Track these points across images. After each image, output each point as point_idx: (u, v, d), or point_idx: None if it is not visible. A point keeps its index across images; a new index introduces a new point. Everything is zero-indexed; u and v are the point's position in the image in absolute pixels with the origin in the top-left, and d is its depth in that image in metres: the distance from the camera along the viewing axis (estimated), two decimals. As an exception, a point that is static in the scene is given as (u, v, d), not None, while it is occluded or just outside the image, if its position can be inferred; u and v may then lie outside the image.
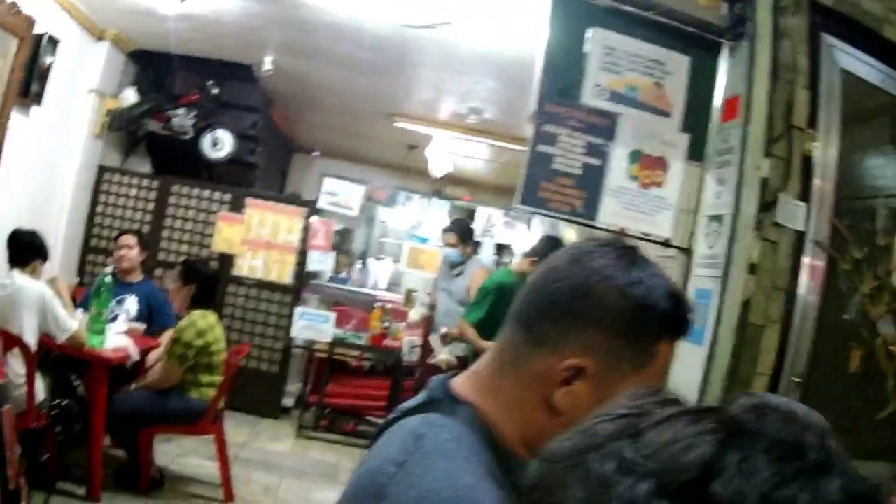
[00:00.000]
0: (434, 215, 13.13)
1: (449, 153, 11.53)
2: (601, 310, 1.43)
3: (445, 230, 8.76)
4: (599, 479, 0.73)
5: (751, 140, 3.95)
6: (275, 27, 7.98)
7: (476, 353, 6.70)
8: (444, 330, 7.92)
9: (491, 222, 10.33)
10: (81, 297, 6.76)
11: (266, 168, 11.58)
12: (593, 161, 4.06)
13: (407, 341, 9.14)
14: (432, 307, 9.12)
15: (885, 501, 0.71)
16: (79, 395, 5.79)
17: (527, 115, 4.15)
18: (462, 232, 8.55)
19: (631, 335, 1.44)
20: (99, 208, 9.40)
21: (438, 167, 11.59)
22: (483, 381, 1.53)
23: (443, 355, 7.81)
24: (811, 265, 4.08)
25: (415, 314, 9.53)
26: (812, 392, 4.19)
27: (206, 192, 9.55)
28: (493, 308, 6.92)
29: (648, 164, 4.10)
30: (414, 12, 6.59)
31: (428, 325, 9.17)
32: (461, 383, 1.55)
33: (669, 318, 1.47)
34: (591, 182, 4.05)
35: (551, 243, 7.19)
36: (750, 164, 3.93)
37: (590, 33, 4.17)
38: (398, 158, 13.37)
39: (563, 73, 4.17)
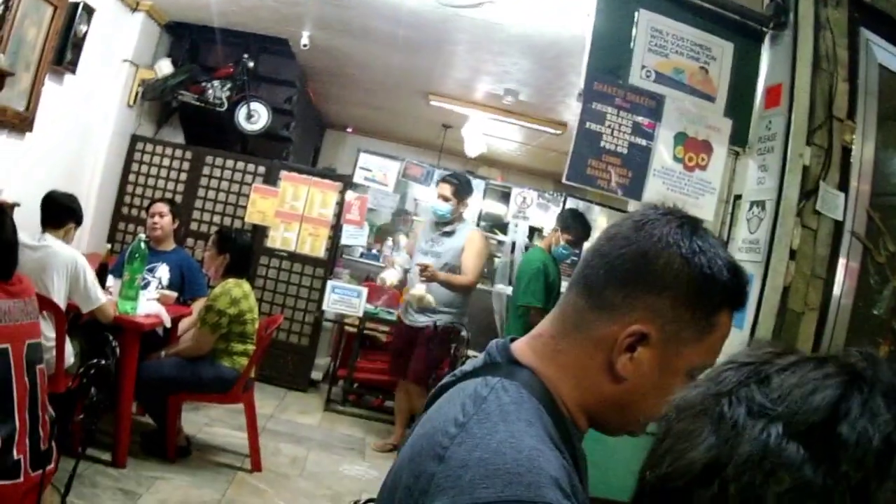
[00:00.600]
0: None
1: (483, 134, 11.52)
2: (666, 277, 1.46)
3: (443, 180, 7.63)
4: (731, 423, 0.76)
5: (794, 128, 3.98)
6: (312, 1, 8.00)
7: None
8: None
9: (526, 203, 10.25)
10: (113, 264, 6.77)
11: (300, 143, 11.61)
12: (640, 141, 4.10)
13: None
14: (407, 270, 8.02)
15: None
16: (116, 357, 5.83)
17: (573, 95, 4.16)
18: (462, 185, 7.48)
19: (694, 303, 1.47)
20: (131, 177, 9.46)
21: (473, 147, 11.59)
22: (544, 345, 1.55)
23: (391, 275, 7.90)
24: (847, 255, 4.11)
25: (392, 276, 8.04)
26: None
27: (240, 164, 9.57)
28: (547, 287, 6.99)
29: (693, 147, 4.13)
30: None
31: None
32: (522, 347, 1.57)
33: (730, 288, 1.50)
34: (636, 162, 4.09)
35: (577, 216, 7.35)
36: (793, 151, 3.95)
37: (637, 14, 4.21)
38: (432, 137, 13.38)
39: (611, 53, 4.20)
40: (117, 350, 5.35)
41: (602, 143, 4.09)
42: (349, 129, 15.07)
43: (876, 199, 4.25)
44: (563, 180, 4.15)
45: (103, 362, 5.09)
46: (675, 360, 1.48)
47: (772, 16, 4.26)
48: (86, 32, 7.64)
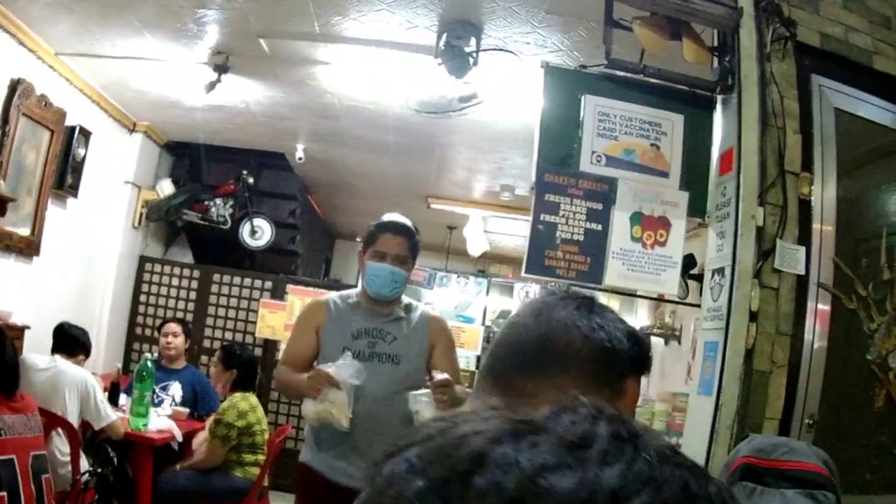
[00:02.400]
0: (475, 293, 13.19)
1: (485, 231, 11.60)
2: (570, 356, 1.53)
3: (398, 230, 4.52)
4: (387, 479, 0.70)
5: (744, 190, 4.01)
6: (302, 115, 8.17)
7: None
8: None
9: (529, 297, 10.30)
10: (126, 384, 6.95)
11: (309, 255, 11.71)
12: (595, 226, 4.14)
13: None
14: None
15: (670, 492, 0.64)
16: (114, 465, 5.95)
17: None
18: (419, 241, 4.66)
19: (599, 376, 1.54)
20: (142, 298, 9.59)
21: (475, 246, 11.67)
22: None
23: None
24: (816, 307, 4.13)
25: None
26: (829, 432, 4.22)
27: (247, 280, 9.69)
28: None
29: (650, 225, 4.17)
30: (428, 97, 6.74)
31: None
32: None
33: (632, 356, 1.58)
34: (594, 246, 4.13)
35: None
36: (744, 213, 3.98)
37: (583, 100, 4.28)
38: (438, 240, 13.41)
39: (560, 143, 4.28)
40: (114, 459, 5.50)
41: (557, 234, 4.15)
42: (358, 239, 15.22)
43: (844, 243, 4.30)
44: (522, 273, 4.25)
45: (99, 470, 5.21)
46: None
47: (719, 80, 4.28)
48: (84, 155, 7.87)
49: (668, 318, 8.35)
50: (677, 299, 4.45)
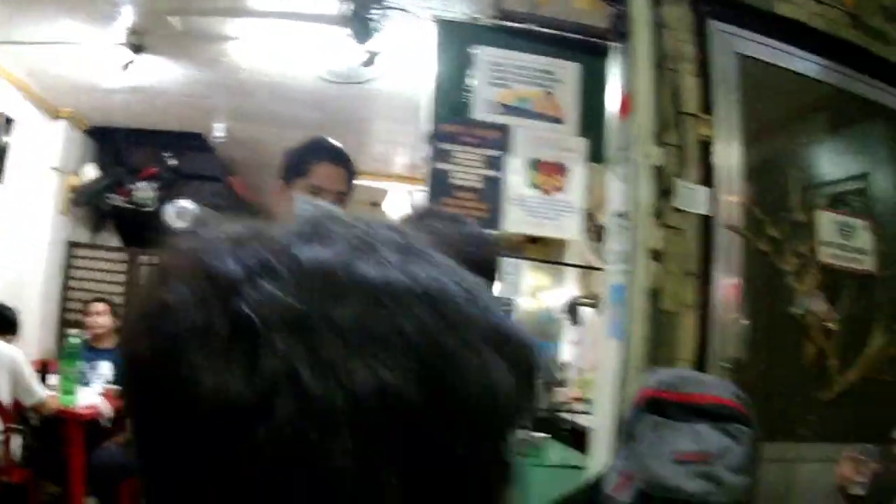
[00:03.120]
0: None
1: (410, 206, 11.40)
2: None
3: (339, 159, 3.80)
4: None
5: (640, 132, 3.88)
6: (219, 93, 7.91)
7: None
8: None
9: None
10: (55, 366, 6.78)
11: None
12: (492, 173, 4.06)
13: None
14: None
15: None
16: (31, 424, 5.96)
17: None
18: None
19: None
20: (72, 283, 9.35)
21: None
22: None
23: None
24: (725, 248, 4.00)
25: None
26: (749, 376, 4.11)
27: (175, 261, 9.43)
28: None
29: (547, 171, 4.10)
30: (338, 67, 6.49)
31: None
32: None
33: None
34: (492, 194, 4.05)
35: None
36: (641, 154, 3.86)
37: (477, 52, 4.18)
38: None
39: (454, 93, 4.18)
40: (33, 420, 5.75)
41: (452, 181, 4.05)
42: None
43: (755, 185, 4.18)
44: (422, 221, 4.06)
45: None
46: None
47: (612, 28, 4.16)
48: (7, 143, 7.65)
49: (597, 288, 8.22)
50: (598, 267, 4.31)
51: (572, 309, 7.88)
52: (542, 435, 4.63)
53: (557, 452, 4.32)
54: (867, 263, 4.40)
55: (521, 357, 0.68)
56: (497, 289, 2.55)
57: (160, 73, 7.41)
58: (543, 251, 7.84)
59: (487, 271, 1.56)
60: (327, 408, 0.58)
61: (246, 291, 0.61)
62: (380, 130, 8.86)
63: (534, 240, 10.82)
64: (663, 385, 2.61)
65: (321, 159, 3.46)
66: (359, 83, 6.46)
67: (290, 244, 0.64)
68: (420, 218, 1.55)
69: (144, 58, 6.82)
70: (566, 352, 8.45)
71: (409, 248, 0.68)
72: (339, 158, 3.53)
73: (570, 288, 9.07)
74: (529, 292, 10.18)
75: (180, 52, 7.07)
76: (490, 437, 0.65)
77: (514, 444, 0.67)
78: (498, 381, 0.64)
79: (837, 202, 4.53)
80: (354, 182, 3.54)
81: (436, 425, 0.61)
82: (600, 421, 3.89)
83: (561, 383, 7.12)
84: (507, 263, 9.60)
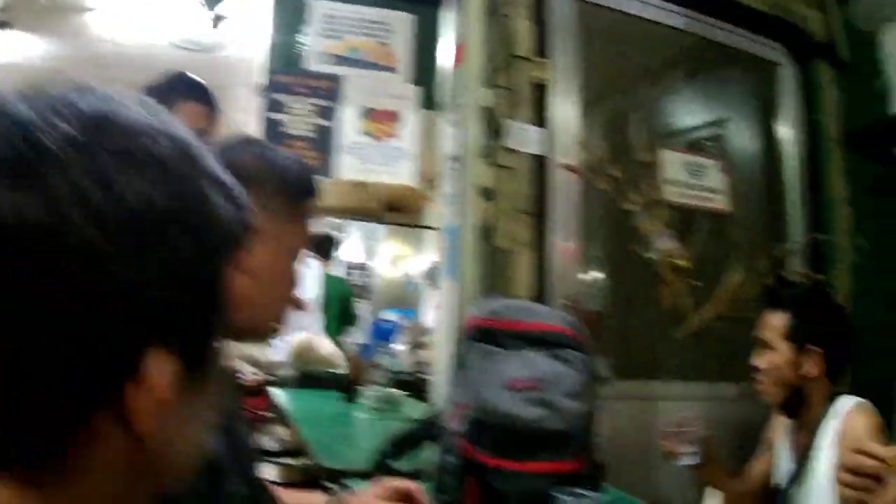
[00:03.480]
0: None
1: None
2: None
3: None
4: None
5: (470, 75, 3.86)
6: (82, 67, 7.79)
7: None
8: None
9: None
10: None
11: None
12: (324, 122, 4.09)
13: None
14: None
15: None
16: None
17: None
18: None
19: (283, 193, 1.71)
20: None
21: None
22: None
23: None
24: (563, 187, 3.97)
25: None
26: (601, 316, 4.11)
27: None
28: None
29: (379, 119, 4.13)
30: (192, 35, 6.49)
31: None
32: None
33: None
34: (325, 142, 4.09)
35: None
36: (471, 97, 3.84)
37: (311, 4, 4.21)
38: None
39: (289, 46, 4.20)
40: None
41: (285, 130, 4.04)
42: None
43: (595, 126, 4.20)
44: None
45: None
46: (282, 242, 1.65)
47: None
48: None
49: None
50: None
51: (433, 275, 7.97)
52: (402, 392, 4.62)
53: (414, 408, 4.28)
54: (720, 203, 4.38)
55: (239, 197, 0.89)
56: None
57: (26, 48, 7.40)
58: (403, 219, 7.87)
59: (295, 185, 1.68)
60: (113, 218, 0.71)
61: (40, 127, 0.73)
62: (236, 98, 8.85)
63: (392, 207, 10.80)
64: (493, 314, 2.58)
65: (185, 98, 3.39)
66: (211, 51, 6.45)
67: (72, 96, 0.80)
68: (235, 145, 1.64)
69: (10, 34, 6.87)
70: (429, 317, 8.48)
71: (155, 106, 0.84)
72: (203, 96, 3.49)
73: (430, 255, 9.14)
74: (390, 260, 10.29)
75: (46, 26, 7.05)
76: (216, 250, 0.85)
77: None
78: (222, 207, 0.84)
79: (690, 146, 4.53)
80: (218, 119, 3.49)
81: (180, 231, 0.77)
82: (440, 362, 3.85)
83: (422, 346, 7.10)
84: (367, 230, 9.67)
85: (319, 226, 8.69)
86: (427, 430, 2.76)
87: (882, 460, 1.82)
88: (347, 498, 2.03)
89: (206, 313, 0.87)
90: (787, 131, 4.71)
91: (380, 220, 7.80)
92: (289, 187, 1.66)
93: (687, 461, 2.96)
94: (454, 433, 2.48)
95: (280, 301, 1.69)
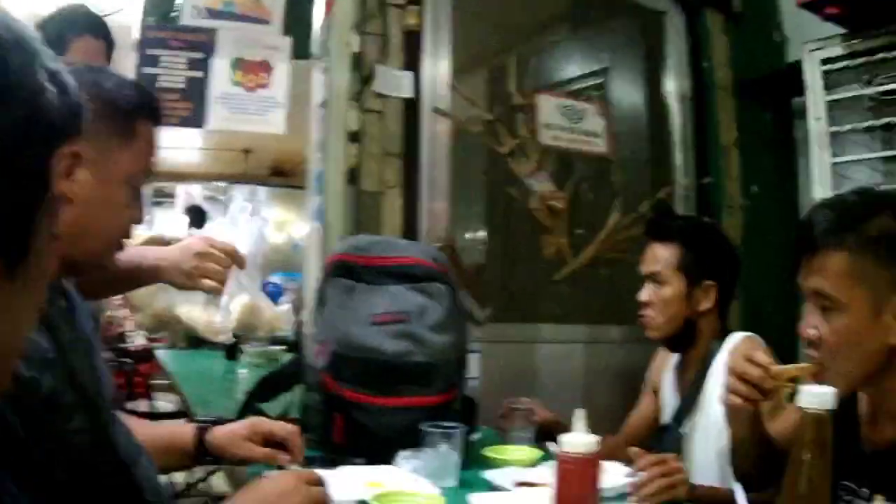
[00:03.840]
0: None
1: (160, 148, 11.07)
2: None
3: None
4: None
5: (340, 21, 3.89)
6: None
7: None
8: None
9: (193, 199, 10.15)
10: None
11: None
12: (196, 74, 4.07)
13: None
14: None
15: None
16: None
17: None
18: None
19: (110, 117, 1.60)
20: None
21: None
22: None
23: None
24: (432, 130, 4.04)
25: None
26: (480, 258, 4.28)
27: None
28: None
29: (251, 70, 4.12)
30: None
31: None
32: None
33: (137, 102, 1.67)
34: (196, 93, 4.07)
35: None
36: (340, 42, 3.87)
37: None
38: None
39: (163, 2, 4.23)
40: None
41: (159, 84, 4.03)
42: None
43: (469, 71, 4.37)
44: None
45: None
46: (112, 168, 1.60)
47: None
48: None
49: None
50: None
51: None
52: (281, 347, 4.79)
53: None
54: (599, 147, 4.44)
55: (74, 95, 0.93)
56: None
57: None
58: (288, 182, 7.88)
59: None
60: None
61: None
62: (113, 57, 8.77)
63: (278, 172, 10.81)
64: (355, 249, 2.59)
65: (81, 32, 3.24)
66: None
67: None
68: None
69: None
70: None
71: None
72: (100, 30, 3.36)
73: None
74: (276, 225, 10.38)
75: None
76: (43, 141, 0.87)
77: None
78: (55, 100, 0.87)
79: (573, 94, 4.59)
80: (113, 55, 3.40)
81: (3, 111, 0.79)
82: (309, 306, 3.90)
83: (305, 306, 7.19)
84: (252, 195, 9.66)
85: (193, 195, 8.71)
86: (294, 371, 2.75)
87: (767, 371, 1.85)
88: (215, 429, 2.05)
89: (27, 204, 0.85)
90: (674, 79, 4.76)
91: (265, 184, 7.86)
92: (118, 110, 1.61)
93: (520, 439, 2.84)
94: (318, 371, 2.48)
95: (113, 230, 1.66)
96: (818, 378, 1.77)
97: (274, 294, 5.96)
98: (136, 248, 2.31)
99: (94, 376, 1.59)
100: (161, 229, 9.17)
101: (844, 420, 1.88)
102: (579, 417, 1.66)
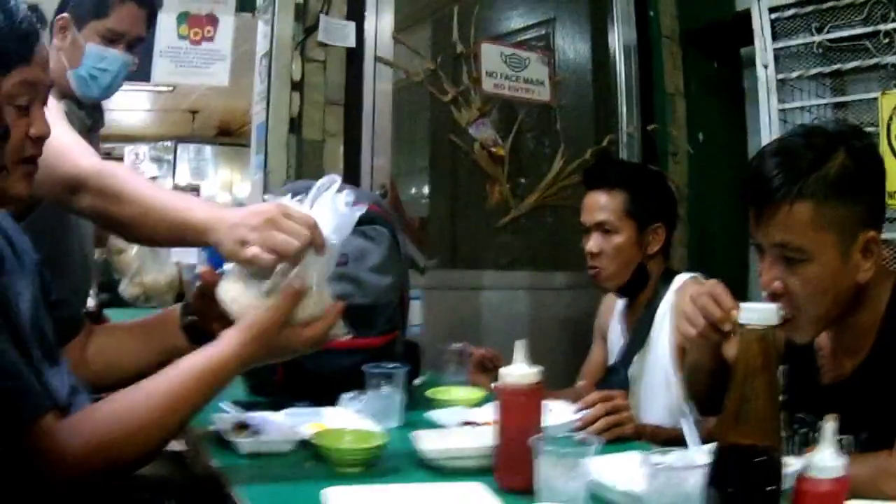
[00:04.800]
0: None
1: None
2: None
3: None
4: None
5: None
6: None
7: None
8: None
9: (139, 159, 10.05)
10: None
11: None
12: None
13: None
14: None
15: None
16: None
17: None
18: None
19: None
20: None
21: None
22: None
23: None
24: (374, 79, 4.06)
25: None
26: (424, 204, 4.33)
27: None
28: None
29: (197, 23, 4.06)
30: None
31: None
32: None
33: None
34: (143, 49, 3.97)
35: None
36: (283, -7, 3.88)
37: None
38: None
39: None
40: None
41: None
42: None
43: (414, 20, 4.46)
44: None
45: None
46: None
47: None
48: None
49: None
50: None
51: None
52: None
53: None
54: (542, 95, 4.45)
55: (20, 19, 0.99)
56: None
57: None
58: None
59: None
60: None
61: None
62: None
63: (225, 132, 10.83)
64: (294, 194, 2.56)
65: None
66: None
67: None
68: None
69: None
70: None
71: None
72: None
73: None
74: (221, 185, 10.37)
75: None
76: None
77: None
78: None
79: (518, 44, 4.60)
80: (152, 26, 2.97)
81: None
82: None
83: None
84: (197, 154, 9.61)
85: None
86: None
87: (728, 315, 1.77)
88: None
89: None
90: (620, 28, 4.77)
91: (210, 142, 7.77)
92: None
93: (454, 380, 2.82)
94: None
95: (9, 163, 1.48)
96: (786, 330, 1.77)
97: (215, 260, 5.95)
98: (185, 197, 2.05)
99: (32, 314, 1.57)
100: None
101: (802, 354, 1.91)
102: (519, 349, 1.65)
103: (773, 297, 1.76)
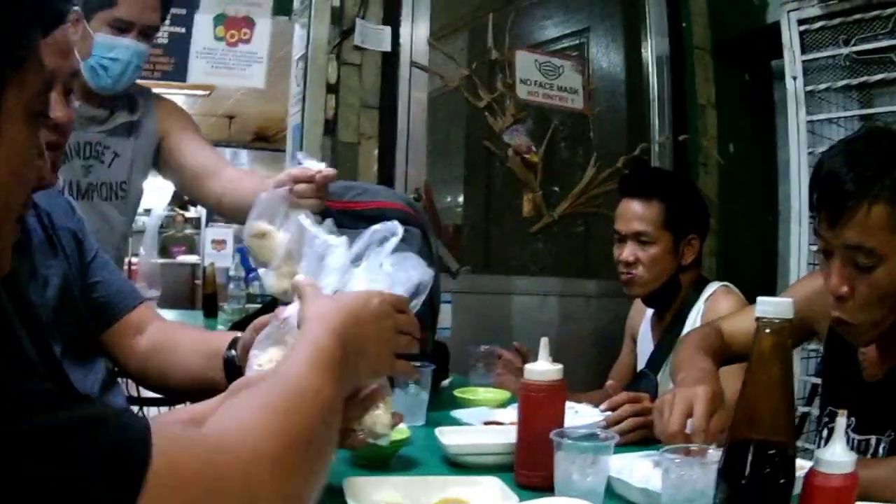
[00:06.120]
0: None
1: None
2: None
3: None
4: None
5: (321, -24, 3.91)
6: None
7: None
8: None
9: None
10: None
11: None
12: (178, 30, 4.04)
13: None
14: None
15: None
16: None
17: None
18: None
19: None
20: None
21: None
22: None
23: None
24: (410, 84, 4.07)
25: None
26: (457, 209, 4.33)
27: None
28: None
29: (234, 25, 4.08)
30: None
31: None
32: None
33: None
34: (179, 48, 4.04)
35: None
36: (320, -2, 3.89)
37: None
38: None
39: None
40: None
41: None
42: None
43: (448, 26, 4.40)
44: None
45: None
46: None
47: None
48: None
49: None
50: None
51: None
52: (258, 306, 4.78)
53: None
54: (576, 103, 4.47)
55: None
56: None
57: None
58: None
59: None
60: None
61: None
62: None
63: (261, 137, 10.85)
64: (329, 195, 2.58)
65: None
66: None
67: None
68: None
69: None
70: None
71: None
72: None
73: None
74: None
75: None
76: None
77: None
78: None
79: (554, 52, 4.61)
80: (167, 14, 2.89)
81: None
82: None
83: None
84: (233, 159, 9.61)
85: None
86: (272, 310, 2.76)
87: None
88: None
89: None
90: (653, 39, 4.78)
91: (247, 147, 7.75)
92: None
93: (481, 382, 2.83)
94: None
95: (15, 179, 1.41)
96: (846, 334, 1.77)
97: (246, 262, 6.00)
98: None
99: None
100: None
101: (845, 350, 1.90)
102: (543, 346, 1.66)
103: (840, 300, 1.74)
